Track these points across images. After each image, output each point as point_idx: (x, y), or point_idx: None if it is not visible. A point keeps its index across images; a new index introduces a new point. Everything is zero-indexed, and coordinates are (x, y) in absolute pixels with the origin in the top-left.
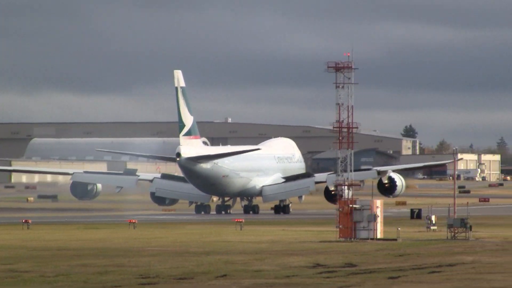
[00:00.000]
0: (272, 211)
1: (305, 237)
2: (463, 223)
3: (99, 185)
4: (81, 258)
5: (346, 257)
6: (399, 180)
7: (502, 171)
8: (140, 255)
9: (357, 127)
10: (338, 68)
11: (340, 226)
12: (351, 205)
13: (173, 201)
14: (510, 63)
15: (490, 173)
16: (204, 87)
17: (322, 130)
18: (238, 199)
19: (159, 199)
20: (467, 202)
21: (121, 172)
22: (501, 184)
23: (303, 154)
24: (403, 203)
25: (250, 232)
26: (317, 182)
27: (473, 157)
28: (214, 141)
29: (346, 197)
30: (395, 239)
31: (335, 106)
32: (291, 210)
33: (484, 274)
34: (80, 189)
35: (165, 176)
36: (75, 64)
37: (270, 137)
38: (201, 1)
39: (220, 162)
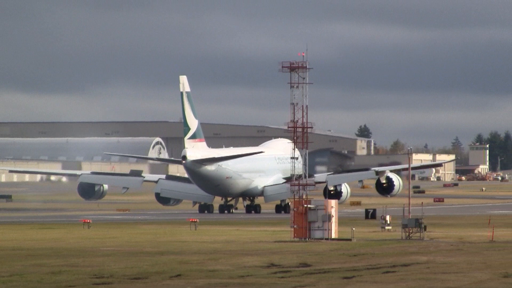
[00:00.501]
0: (274, 211)
1: (260, 237)
2: (418, 223)
3: (106, 186)
4: (35, 258)
5: (300, 257)
6: (396, 180)
7: (457, 171)
8: (94, 255)
9: (311, 127)
10: (292, 68)
11: (295, 226)
12: (305, 205)
13: (177, 201)
14: (465, 64)
15: (445, 173)
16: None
17: (276, 130)
18: (240, 199)
19: (163, 200)
20: (422, 202)
21: (127, 173)
22: (456, 184)
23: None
24: (358, 203)
25: (205, 232)
26: (316, 182)
27: (428, 157)
28: (169, 141)
29: (346, 196)
30: (350, 239)
31: (290, 106)
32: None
33: (438, 274)
34: (87, 190)
35: (169, 177)
36: (28, 65)
37: (225, 137)
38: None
39: (224, 164)
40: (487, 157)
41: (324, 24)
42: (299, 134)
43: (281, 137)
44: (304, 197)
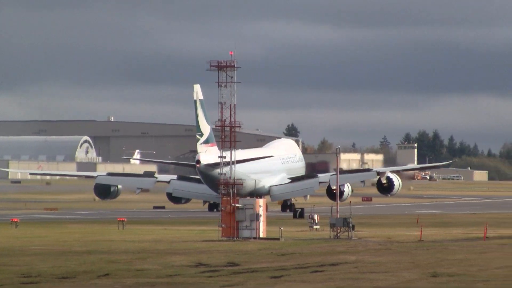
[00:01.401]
0: (279, 209)
1: (188, 236)
2: (346, 223)
3: (120, 186)
4: None
5: (228, 256)
6: (396, 180)
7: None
8: (22, 254)
9: (239, 126)
10: (220, 67)
11: (223, 225)
12: (233, 204)
13: (188, 200)
14: (392, 63)
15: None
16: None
17: None
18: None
19: (175, 199)
20: (350, 202)
21: (141, 174)
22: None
23: (185, 153)
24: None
25: (133, 232)
26: (320, 182)
27: (356, 156)
28: (96, 140)
29: (347, 195)
30: (278, 239)
31: (218, 105)
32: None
33: (366, 274)
34: (103, 190)
35: (180, 178)
36: None
37: (153, 136)
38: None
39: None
40: (415, 156)
41: (252, 23)
42: (227, 133)
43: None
44: (232, 196)
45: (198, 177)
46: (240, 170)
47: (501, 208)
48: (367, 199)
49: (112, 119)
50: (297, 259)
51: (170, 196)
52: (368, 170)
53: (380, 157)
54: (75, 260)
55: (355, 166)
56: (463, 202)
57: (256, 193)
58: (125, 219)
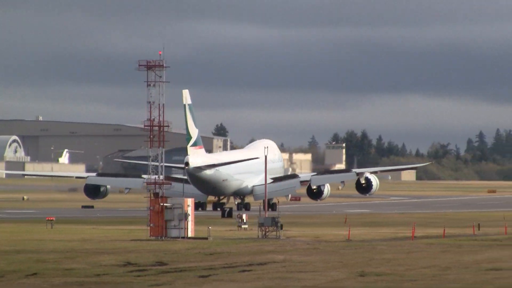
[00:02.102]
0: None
1: (116, 235)
2: (274, 222)
3: (109, 187)
4: None
5: (156, 256)
6: (374, 180)
7: (314, 171)
8: None
9: (168, 126)
10: (149, 67)
11: (151, 225)
12: (162, 204)
13: None
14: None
15: (301, 173)
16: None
17: (133, 128)
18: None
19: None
20: (278, 201)
21: (130, 174)
22: None
23: (113, 153)
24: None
25: (61, 231)
26: (301, 182)
27: (285, 156)
28: (25, 140)
29: (326, 195)
30: (206, 238)
31: (147, 105)
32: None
33: (294, 273)
34: (93, 190)
35: (167, 178)
36: None
37: (81, 136)
38: None
39: (220, 168)
40: (344, 156)
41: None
42: (155, 133)
43: (137, 135)
44: (161, 195)
45: (185, 177)
46: (225, 171)
47: (429, 208)
48: (295, 198)
49: (40, 118)
50: (226, 259)
51: (156, 196)
52: (348, 170)
53: (308, 157)
54: (3, 260)
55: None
56: (391, 201)
57: (240, 193)
58: (54, 218)
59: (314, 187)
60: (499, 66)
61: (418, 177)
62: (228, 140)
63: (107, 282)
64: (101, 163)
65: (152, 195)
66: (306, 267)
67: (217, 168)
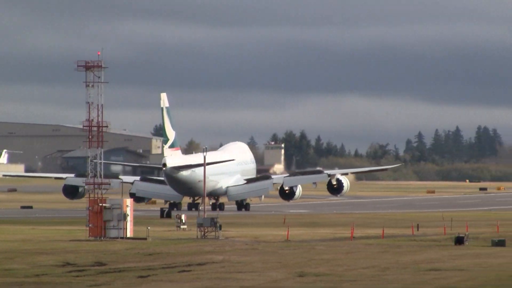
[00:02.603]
0: (236, 208)
1: (56, 236)
2: (213, 222)
3: (86, 187)
4: None
5: (95, 256)
6: (345, 181)
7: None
8: None
9: (107, 126)
10: (88, 67)
11: (90, 225)
12: (101, 204)
13: (149, 200)
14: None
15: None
16: None
17: (72, 129)
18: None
19: (138, 199)
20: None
21: (107, 175)
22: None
23: (52, 153)
24: (153, 202)
25: (0, 231)
26: (274, 183)
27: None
28: None
29: (298, 195)
30: (145, 238)
31: (85, 105)
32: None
33: (233, 273)
34: (71, 191)
35: (143, 179)
36: None
37: (20, 136)
38: None
39: (196, 169)
40: (282, 156)
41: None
42: (94, 133)
43: (76, 136)
44: (99, 195)
45: (159, 178)
46: (201, 172)
47: (368, 208)
48: None
49: None
50: (165, 259)
51: (133, 196)
52: (320, 172)
53: None
54: None
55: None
56: (330, 202)
57: (215, 194)
58: None
59: (287, 188)
60: (437, 65)
61: (357, 177)
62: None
63: (46, 282)
64: (39, 163)
65: (89, 196)
66: (245, 268)
67: (193, 169)
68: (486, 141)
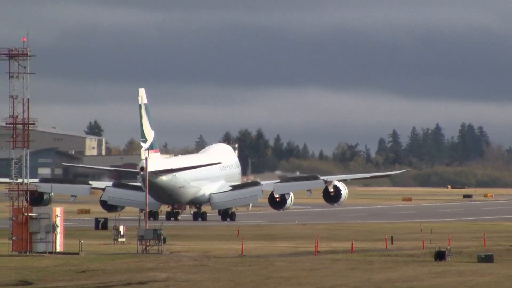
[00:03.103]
0: (220, 218)
1: None
2: (156, 235)
3: (52, 194)
4: None
5: (20, 274)
6: (343, 189)
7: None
8: None
9: (33, 123)
10: (12, 55)
11: (14, 238)
12: (26, 214)
13: (123, 208)
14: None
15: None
16: None
17: None
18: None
19: (109, 207)
20: (160, 211)
21: (74, 180)
22: None
23: None
24: (87, 211)
25: None
26: (264, 190)
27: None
28: None
29: (290, 204)
30: (78, 253)
31: (9, 99)
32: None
33: None
34: (36, 198)
35: (116, 185)
36: None
37: None
38: None
39: (178, 174)
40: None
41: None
42: (19, 132)
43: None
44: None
45: (134, 184)
46: (182, 177)
47: (334, 218)
48: (179, 207)
49: None
50: (100, 277)
51: (104, 204)
52: (316, 177)
53: None
54: None
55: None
56: (291, 211)
57: (196, 202)
58: None
59: (277, 195)
60: (415, 54)
61: None
62: (103, 140)
63: None
64: None
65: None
66: (193, 287)
67: (174, 173)
68: (471, 140)
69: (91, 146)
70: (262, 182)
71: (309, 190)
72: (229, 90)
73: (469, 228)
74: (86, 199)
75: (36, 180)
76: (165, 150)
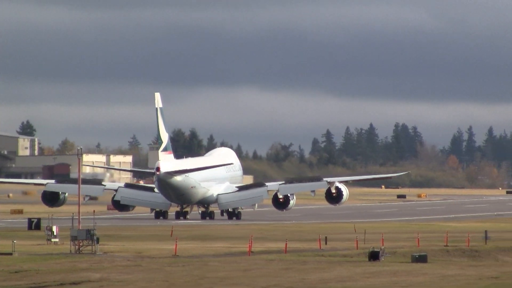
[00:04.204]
0: (226, 217)
1: None
2: (89, 235)
3: (67, 194)
4: None
5: None
6: (344, 190)
7: (135, 174)
8: None
9: None
10: None
11: None
12: None
13: (133, 207)
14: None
15: (120, 177)
16: None
17: None
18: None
19: (121, 206)
20: (94, 211)
21: (89, 181)
22: None
23: None
24: (20, 212)
25: None
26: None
27: (101, 158)
28: None
29: (292, 204)
30: (10, 253)
31: None
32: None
33: None
34: (51, 198)
35: (128, 185)
36: None
37: None
38: None
39: (190, 174)
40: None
41: None
42: None
43: None
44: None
45: (145, 185)
46: (194, 178)
47: (268, 219)
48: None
49: None
50: (33, 278)
51: (117, 204)
52: (319, 179)
53: (129, 159)
54: None
55: (99, 168)
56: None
57: (205, 202)
58: None
59: (281, 196)
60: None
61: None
62: (36, 140)
63: None
64: None
65: None
66: (127, 287)
67: (186, 174)
68: (405, 140)
69: (23, 146)
70: (267, 183)
71: (313, 191)
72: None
73: (403, 229)
74: (19, 199)
75: (53, 181)
76: (98, 150)
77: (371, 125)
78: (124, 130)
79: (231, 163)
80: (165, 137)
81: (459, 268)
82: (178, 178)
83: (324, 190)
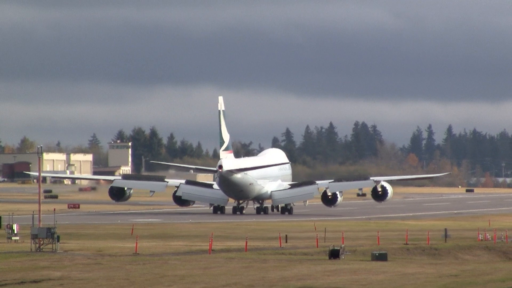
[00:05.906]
0: (279, 212)
1: None
2: (50, 233)
3: (132, 190)
4: None
5: None
6: (389, 188)
7: (95, 173)
8: None
9: None
10: None
11: None
12: None
13: (193, 202)
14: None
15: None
16: None
17: None
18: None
19: (182, 201)
20: (54, 209)
21: (153, 177)
22: (94, 188)
23: None
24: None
25: None
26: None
27: (62, 156)
28: None
29: (339, 201)
30: None
31: None
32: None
33: None
34: (117, 193)
35: (189, 182)
36: None
37: None
38: None
39: (249, 172)
40: (130, 156)
41: None
42: None
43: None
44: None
45: (205, 182)
46: (252, 176)
47: (227, 217)
48: (74, 206)
49: None
50: None
51: (178, 199)
52: (366, 178)
53: (89, 157)
54: None
55: (60, 167)
56: (187, 210)
57: (260, 198)
58: None
59: (330, 194)
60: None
61: None
62: None
63: None
64: None
65: None
66: (87, 286)
67: (245, 172)
68: (365, 139)
69: None
70: (317, 181)
71: (360, 189)
72: (121, 88)
73: (363, 227)
74: None
75: (119, 177)
76: (58, 148)
77: (330, 123)
78: (83, 128)
79: (287, 162)
80: (226, 137)
81: (419, 266)
82: (238, 176)
83: (370, 188)
